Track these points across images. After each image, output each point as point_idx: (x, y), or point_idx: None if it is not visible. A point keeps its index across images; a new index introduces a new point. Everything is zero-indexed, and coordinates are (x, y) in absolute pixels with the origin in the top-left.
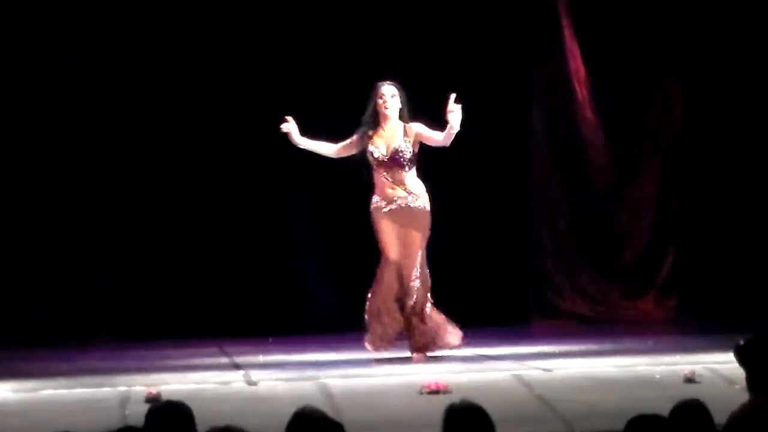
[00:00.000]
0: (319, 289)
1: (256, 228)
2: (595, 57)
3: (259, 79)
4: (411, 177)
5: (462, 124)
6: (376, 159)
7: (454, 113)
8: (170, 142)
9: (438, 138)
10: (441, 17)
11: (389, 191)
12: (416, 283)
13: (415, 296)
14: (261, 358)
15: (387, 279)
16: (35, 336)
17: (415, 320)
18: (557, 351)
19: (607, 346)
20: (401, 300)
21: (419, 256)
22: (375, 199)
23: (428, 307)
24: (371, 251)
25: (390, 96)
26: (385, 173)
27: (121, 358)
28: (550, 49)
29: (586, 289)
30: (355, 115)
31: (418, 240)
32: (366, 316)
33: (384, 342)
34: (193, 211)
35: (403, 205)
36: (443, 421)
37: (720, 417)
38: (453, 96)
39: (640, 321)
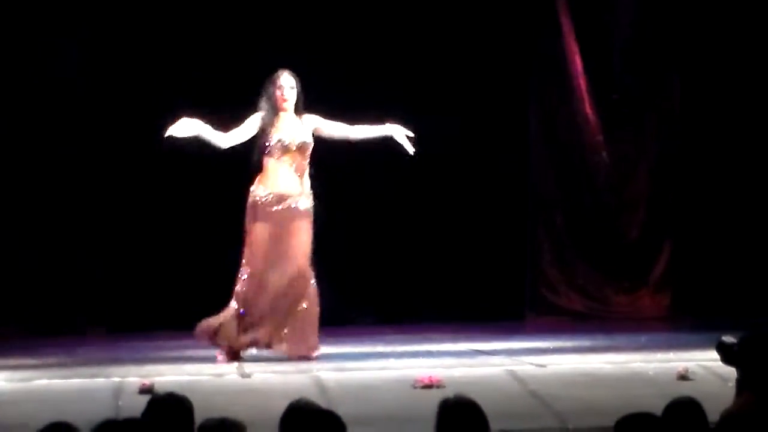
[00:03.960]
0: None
1: None
2: (593, 55)
3: (258, 75)
4: (307, 172)
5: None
6: (286, 146)
7: (397, 133)
8: (163, 135)
9: (342, 130)
10: (440, 16)
11: (283, 187)
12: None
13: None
14: (255, 351)
15: (247, 292)
16: (29, 326)
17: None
18: (551, 347)
19: (600, 342)
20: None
21: (307, 265)
22: (260, 190)
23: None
24: (364, 244)
25: (289, 87)
26: (290, 161)
27: (115, 349)
28: (548, 47)
29: (581, 286)
30: (349, 117)
31: (305, 243)
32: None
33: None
34: (187, 202)
35: (292, 206)
36: (437, 415)
37: (713, 414)
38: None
39: (634, 318)
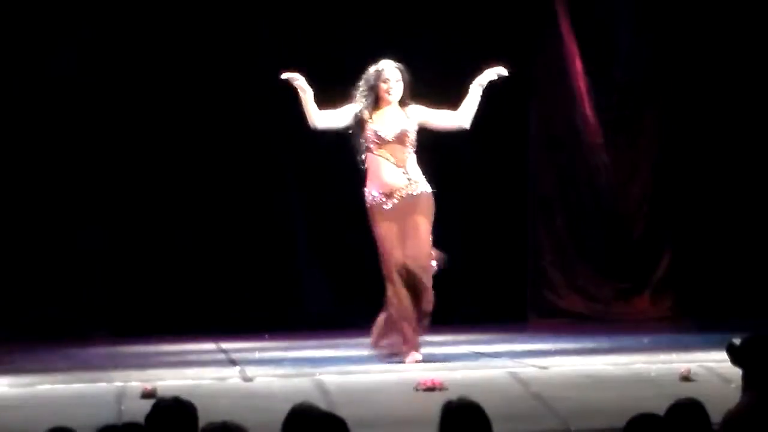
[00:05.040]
0: (315, 285)
1: (253, 224)
2: (593, 55)
3: (258, 75)
4: (412, 161)
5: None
6: (381, 138)
7: (483, 75)
8: (168, 139)
9: (451, 120)
10: (440, 16)
11: (389, 179)
12: (429, 283)
13: (431, 300)
14: (257, 355)
15: (398, 284)
16: (32, 331)
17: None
18: (553, 348)
19: (603, 344)
20: (418, 305)
21: (429, 244)
22: (372, 192)
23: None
24: (368, 248)
25: (395, 80)
26: (388, 154)
27: (118, 354)
28: (548, 47)
29: (582, 288)
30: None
31: (425, 227)
32: (382, 323)
33: (395, 350)
34: (190, 207)
35: (404, 195)
36: (440, 418)
37: (715, 416)
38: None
39: (636, 319)
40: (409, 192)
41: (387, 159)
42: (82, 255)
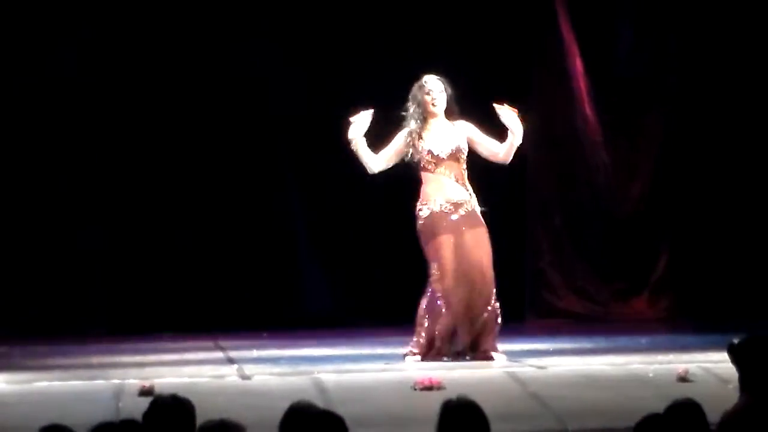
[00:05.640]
0: (314, 284)
1: (251, 222)
2: (593, 55)
3: (258, 74)
4: (466, 175)
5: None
6: (437, 156)
7: (507, 116)
8: (167, 138)
9: (494, 148)
10: (441, 16)
11: (452, 195)
12: (496, 305)
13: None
14: (255, 353)
15: (455, 298)
16: (30, 329)
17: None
18: (551, 348)
19: (600, 344)
20: (474, 317)
21: (490, 265)
22: (438, 202)
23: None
24: (366, 247)
25: (438, 91)
26: (447, 171)
27: (116, 351)
28: (548, 47)
29: (580, 288)
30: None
31: (486, 243)
32: (430, 335)
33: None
34: (189, 205)
35: (470, 210)
36: (438, 417)
37: (713, 416)
38: (497, 106)
39: (634, 320)
40: (473, 208)
41: (447, 176)
42: (80, 253)
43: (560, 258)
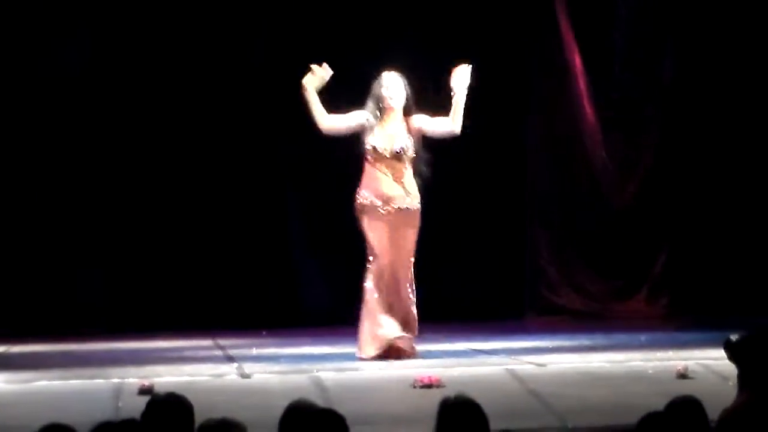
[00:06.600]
0: (312, 282)
1: (250, 221)
2: (593, 54)
3: (255, 73)
4: (409, 174)
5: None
6: (378, 153)
7: (458, 76)
8: (165, 136)
9: (445, 126)
10: (441, 16)
11: (386, 190)
12: (412, 296)
13: (411, 311)
14: (254, 351)
15: (379, 284)
16: (29, 328)
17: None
18: (550, 346)
19: (600, 341)
20: (394, 312)
21: (411, 259)
22: (365, 194)
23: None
24: (365, 246)
25: (395, 87)
26: (385, 169)
27: (115, 350)
28: (548, 47)
29: (580, 285)
30: (351, 107)
31: (412, 241)
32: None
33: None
34: (188, 203)
35: (402, 207)
36: (437, 414)
37: (712, 413)
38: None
39: (633, 317)
40: (406, 206)
41: (384, 173)
42: (80, 252)
43: (559, 255)
